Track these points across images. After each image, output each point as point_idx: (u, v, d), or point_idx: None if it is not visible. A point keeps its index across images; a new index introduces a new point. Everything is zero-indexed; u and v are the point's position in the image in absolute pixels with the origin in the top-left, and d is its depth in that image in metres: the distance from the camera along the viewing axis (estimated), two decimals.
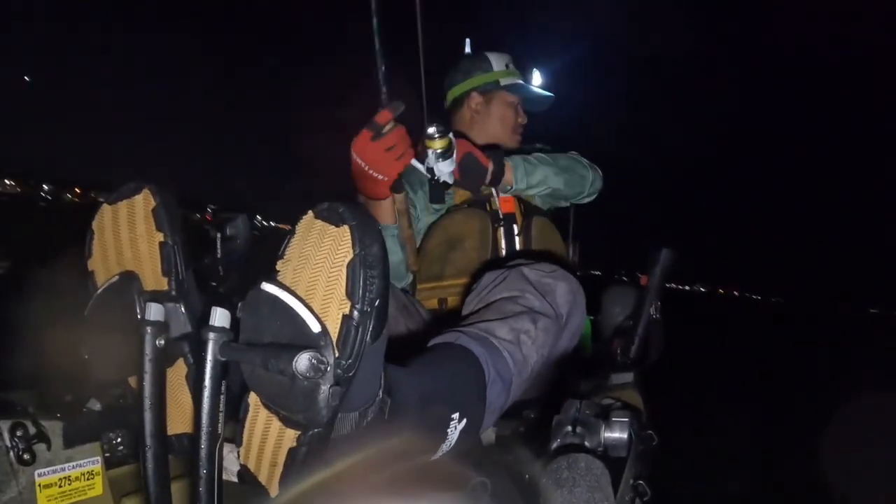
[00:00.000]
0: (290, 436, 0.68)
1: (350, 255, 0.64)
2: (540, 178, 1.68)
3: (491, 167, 1.54)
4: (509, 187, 1.65)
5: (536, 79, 1.96)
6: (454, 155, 1.42)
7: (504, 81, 1.87)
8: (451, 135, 1.40)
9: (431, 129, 1.38)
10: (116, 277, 0.88)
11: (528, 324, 1.08)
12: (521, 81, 1.90)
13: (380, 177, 1.34)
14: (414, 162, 1.39)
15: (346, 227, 0.65)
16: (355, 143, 1.33)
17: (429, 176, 1.47)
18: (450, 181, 1.46)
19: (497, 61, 1.89)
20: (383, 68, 1.34)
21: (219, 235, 1.43)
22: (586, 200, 1.89)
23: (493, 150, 1.63)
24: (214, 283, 1.43)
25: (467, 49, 2.00)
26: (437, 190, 1.69)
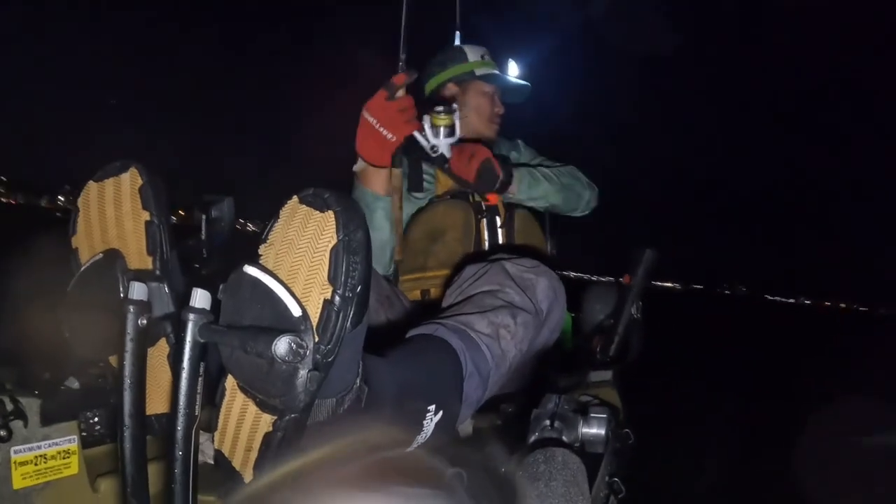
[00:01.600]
0: (266, 420, 0.68)
1: (333, 241, 0.64)
2: (541, 193, 1.75)
3: (501, 177, 1.59)
4: (510, 195, 1.71)
5: (513, 69, 1.99)
6: (456, 132, 1.48)
7: (479, 72, 1.90)
8: (455, 114, 1.46)
9: (439, 108, 1.46)
10: (100, 255, 0.87)
11: (508, 318, 1.08)
12: (496, 72, 1.92)
13: (389, 136, 1.37)
14: (416, 134, 1.43)
15: (330, 213, 0.65)
16: (370, 102, 1.37)
17: (428, 151, 1.50)
18: (447, 155, 1.51)
19: (472, 53, 1.92)
20: (403, 35, 1.42)
21: (203, 217, 1.43)
22: (578, 215, 1.94)
23: (504, 158, 1.68)
24: (198, 266, 1.42)
25: (457, 41, 2.02)
26: (417, 178, 1.71)
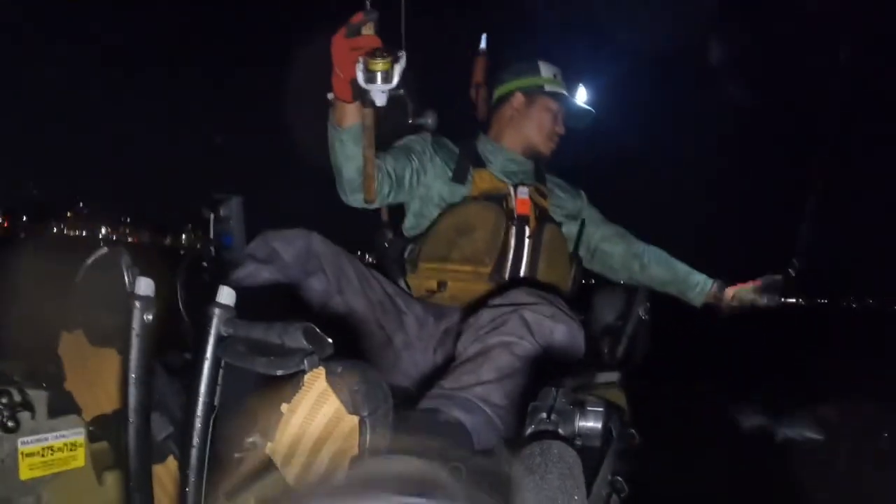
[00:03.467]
0: None
1: (355, 451, 0.69)
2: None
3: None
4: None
5: (581, 95, 1.98)
6: (393, 81, 1.33)
7: (548, 88, 1.92)
8: (396, 60, 1.32)
9: (377, 50, 1.31)
10: (105, 249, 0.89)
11: (523, 380, 1.13)
12: (564, 93, 1.94)
13: (340, 74, 1.34)
14: (359, 73, 1.31)
15: (357, 419, 0.69)
16: (334, 36, 1.32)
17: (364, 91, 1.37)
18: (379, 103, 1.37)
19: (546, 69, 1.94)
20: None
21: (212, 216, 1.44)
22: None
23: None
24: (206, 264, 1.44)
25: (482, 45, 2.06)
26: (461, 170, 1.75)
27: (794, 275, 1.78)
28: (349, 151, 1.50)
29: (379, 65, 1.29)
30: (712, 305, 1.91)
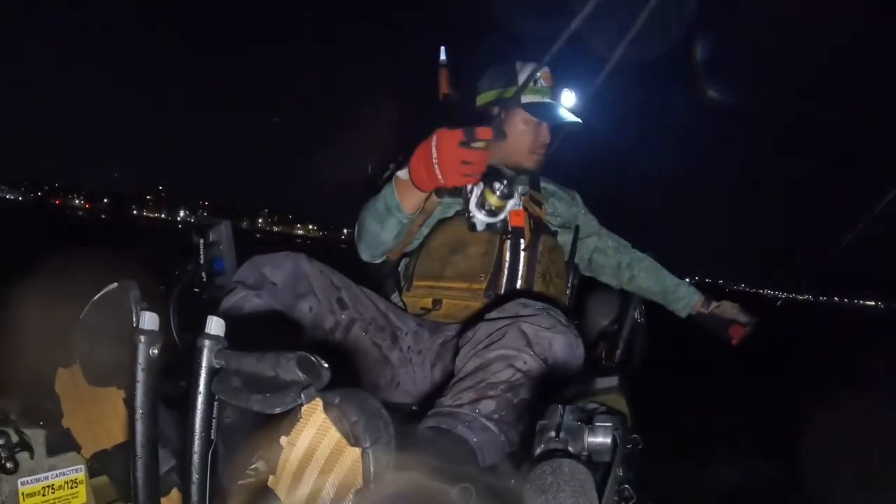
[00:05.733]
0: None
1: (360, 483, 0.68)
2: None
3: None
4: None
5: (567, 99, 1.80)
6: (501, 216, 1.47)
7: (525, 99, 1.74)
8: (510, 202, 1.45)
9: (498, 184, 1.43)
10: (115, 284, 0.88)
11: (525, 393, 1.13)
12: (547, 100, 1.77)
13: (439, 176, 1.31)
14: (473, 198, 1.43)
15: (359, 451, 0.68)
16: (443, 133, 1.29)
17: (465, 211, 1.51)
18: (479, 228, 1.50)
19: (525, 74, 1.74)
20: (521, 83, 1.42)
21: (201, 241, 1.43)
22: None
23: None
24: (197, 290, 1.43)
25: (442, 56, 1.92)
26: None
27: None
28: (403, 230, 1.53)
29: (495, 200, 1.42)
30: (695, 317, 1.95)
